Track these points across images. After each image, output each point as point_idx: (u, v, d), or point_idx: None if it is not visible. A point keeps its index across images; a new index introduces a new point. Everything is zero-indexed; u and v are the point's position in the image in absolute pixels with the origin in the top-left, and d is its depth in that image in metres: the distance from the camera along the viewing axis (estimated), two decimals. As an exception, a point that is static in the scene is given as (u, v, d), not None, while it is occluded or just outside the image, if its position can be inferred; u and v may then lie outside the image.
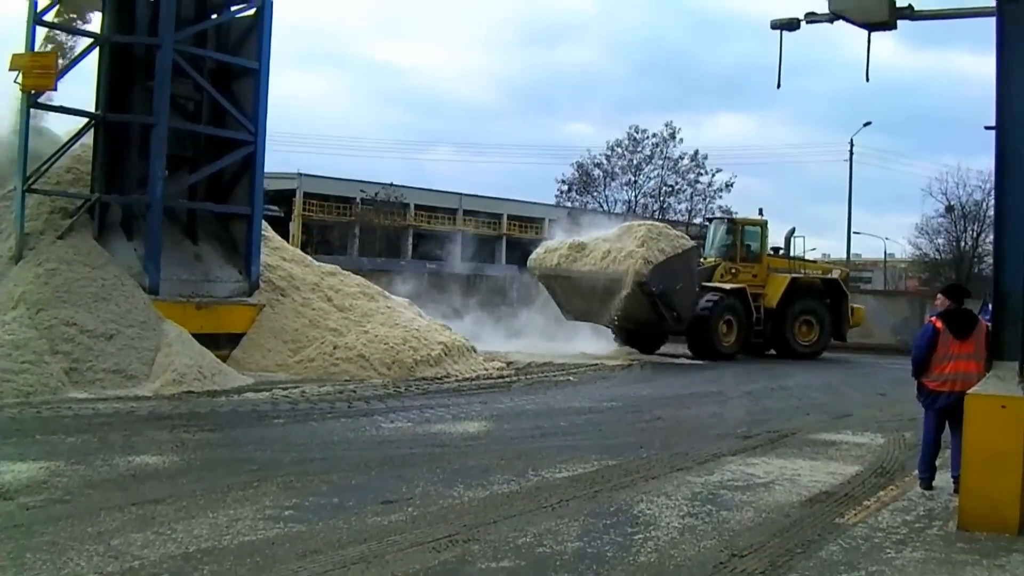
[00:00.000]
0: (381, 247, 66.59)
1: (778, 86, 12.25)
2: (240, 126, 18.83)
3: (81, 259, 16.40)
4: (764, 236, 29.55)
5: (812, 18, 11.78)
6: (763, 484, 9.32)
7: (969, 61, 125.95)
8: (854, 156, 55.00)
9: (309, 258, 21.93)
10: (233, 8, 19.41)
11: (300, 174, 78.77)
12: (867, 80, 11.53)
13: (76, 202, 17.31)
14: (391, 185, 71.97)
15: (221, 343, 17.84)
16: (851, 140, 55.32)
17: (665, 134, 58.24)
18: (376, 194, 71.48)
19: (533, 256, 28.68)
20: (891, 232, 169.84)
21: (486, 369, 19.93)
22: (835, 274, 30.65)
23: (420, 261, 56.31)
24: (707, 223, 29.59)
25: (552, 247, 28.06)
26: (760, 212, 30.35)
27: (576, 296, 27.15)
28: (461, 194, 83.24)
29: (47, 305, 15.28)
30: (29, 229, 16.56)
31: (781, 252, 29.83)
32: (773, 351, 28.63)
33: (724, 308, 26.56)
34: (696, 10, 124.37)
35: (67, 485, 8.30)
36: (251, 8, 19.14)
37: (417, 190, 78.52)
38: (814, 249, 47.95)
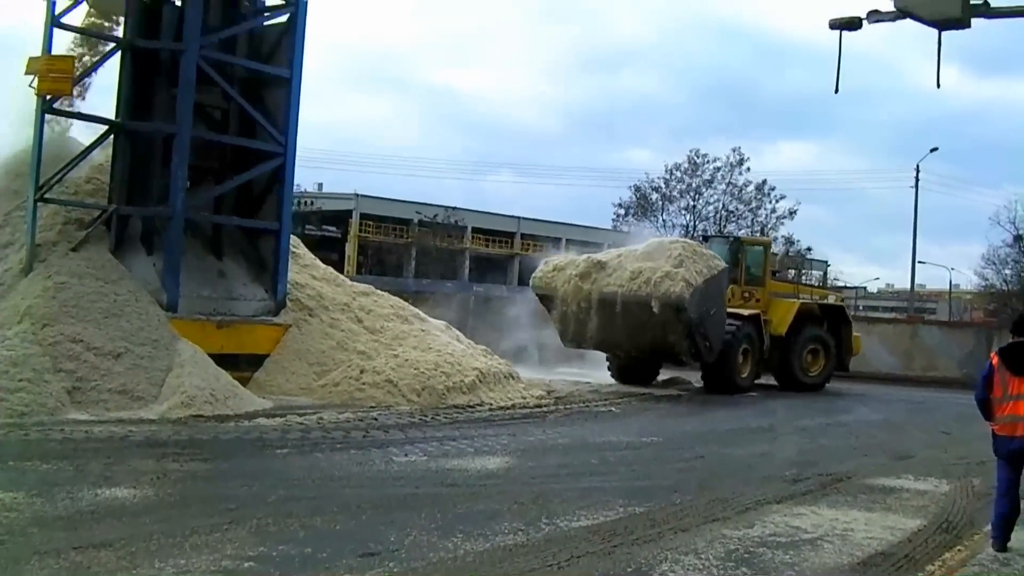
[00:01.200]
0: (437, 270, 65.84)
1: (836, 90, 11.06)
2: (270, 137, 17.96)
3: (94, 272, 15.58)
4: (767, 257, 27.81)
5: (876, 17, 10.65)
6: (810, 541, 8.07)
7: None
8: (909, 188, 53.24)
9: (341, 276, 20.98)
10: (264, 15, 18.56)
11: (357, 195, 78.58)
12: (938, 86, 10.50)
13: (93, 214, 16.50)
14: (450, 208, 71.29)
15: (242, 364, 16.92)
16: (917, 166, 53.46)
17: (732, 160, 56.73)
18: (435, 216, 70.86)
19: (538, 274, 25.07)
20: (956, 262, 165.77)
21: (523, 397, 18.74)
22: (830, 299, 29.10)
23: (468, 283, 55.30)
24: (703, 241, 26.78)
25: (561, 264, 24.80)
26: (746, 231, 28.75)
27: (592, 320, 23.65)
28: (519, 218, 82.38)
29: (53, 320, 14.45)
30: (41, 240, 15.78)
31: (778, 275, 28.45)
32: (776, 383, 26.25)
33: (743, 337, 24.19)
34: (757, 37, 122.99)
35: (11, 523, 7.34)
36: (283, 15, 18.30)
37: (475, 213, 77.83)
38: (877, 279, 46.23)
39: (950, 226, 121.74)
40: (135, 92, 16.97)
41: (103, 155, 17.63)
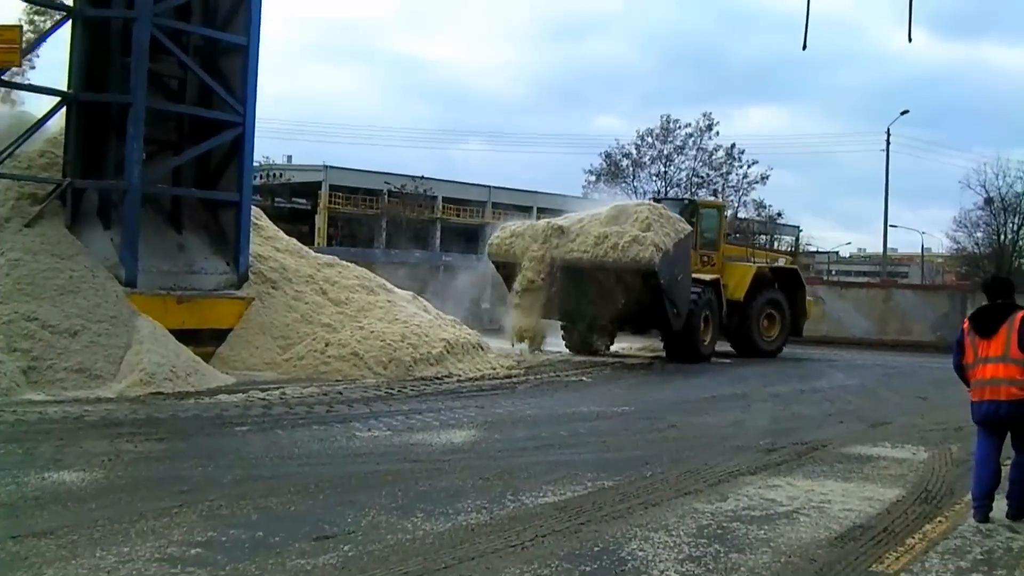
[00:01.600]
0: (409, 241, 65.32)
1: (804, 47, 10.82)
2: (228, 107, 17.47)
3: (49, 249, 15.09)
4: (722, 221, 27.28)
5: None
6: (785, 514, 7.80)
7: (1001, 53, 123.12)
8: (880, 151, 53.08)
9: (305, 248, 20.52)
10: (219, -20, 18.01)
11: (326, 166, 77.83)
12: (909, 40, 10.12)
13: (48, 188, 15.98)
14: (420, 178, 70.68)
15: (205, 339, 16.51)
16: (887, 129, 53.25)
17: (702, 124, 56.43)
18: (403, 186, 70.25)
19: (495, 241, 23.95)
20: (927, 226, 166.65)
21: (493, 368, 18.46)
22: (781, 262, 28.67)
23: (438, 253, 54.81)
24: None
25: (519, 230, 23.49)
26: (715, 195, 28.29)
27: (553, 289, 22.52)
28: (490, 187, 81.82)
29: (7, 298, 13.99)
30: (-7, 217, 15.29)
31: (731, 238, 28.15)
32: (731, 349, 25.76)
33: (705, 303, 23.38)
34: (722, 3, 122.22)
35: (-51, 512, 6.97)
36: (239, -20, 17.77)
37: (446, 183, 77.24)
38: (849, 243, 46.19)
39: (921, 190, 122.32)
40: (88, 63, 16.39)
41: (58, 128, 17.08)
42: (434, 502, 7.70)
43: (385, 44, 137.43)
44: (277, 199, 79.73)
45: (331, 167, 77.39)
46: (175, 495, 7.68)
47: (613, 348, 25.13)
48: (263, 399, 13.33)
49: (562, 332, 24.40)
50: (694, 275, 23.44)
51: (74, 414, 11.51)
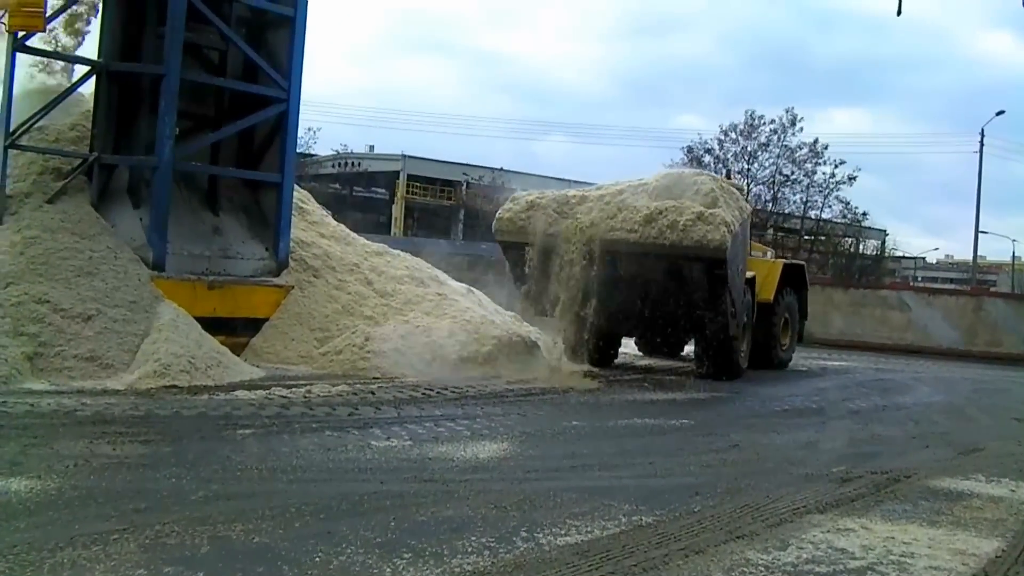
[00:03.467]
0: (485, 231, 64.20)
1: (899, 12, 9.22)
2: (271, 82, 16.36)
3: (69, 227, 14.09)
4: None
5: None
6: (857, 571, 6.33)
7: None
8: (973, 153, 50.73)
9: (354, 235, 19.29)
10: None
11: (404, 155, 77.26)
12: (899, 14, 8.53)
13: (74, 163, 15.01)
14: (498, 170, 69.64)
15: (238, 329, 15.43)
16: (981, 130, 50.91)
17: (785, 120, 54.31)
18: (480, 178, 69.32)
19: (504, 214, 18.54)
20: (1017, 233, 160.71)
21: (550, 372, 17.05)
22: (769, 255, 23.64)
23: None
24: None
25: (538, 201, 18.31)
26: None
27: (585, 280, 17.44)
28: (568, 180, 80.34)
29: (18, 279, 12.99)
30: (12, 191, 14.27)
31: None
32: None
33: (746, 307, 18.85)
34: (804, 2, 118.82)
35: None
36: (287, -53, 16.63)
37: (524, 175, 76.01)
38: (936, 249, 44.01)
39: (1008, 196, 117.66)
40: (121, 32, 15.40)
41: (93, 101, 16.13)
42: (430, 537, 6.38)
43: (470, 38, 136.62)
44: (356, 188, 79.46)
45: (409, 157, 76.86)
46: (125, 515, 6.48)
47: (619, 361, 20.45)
48: (284, 397, 12.13)
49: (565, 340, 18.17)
50: None
51: (67, 408, 10.41)
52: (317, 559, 5.81)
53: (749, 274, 19.06)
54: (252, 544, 6.07)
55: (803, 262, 24.44)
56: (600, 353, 19.17)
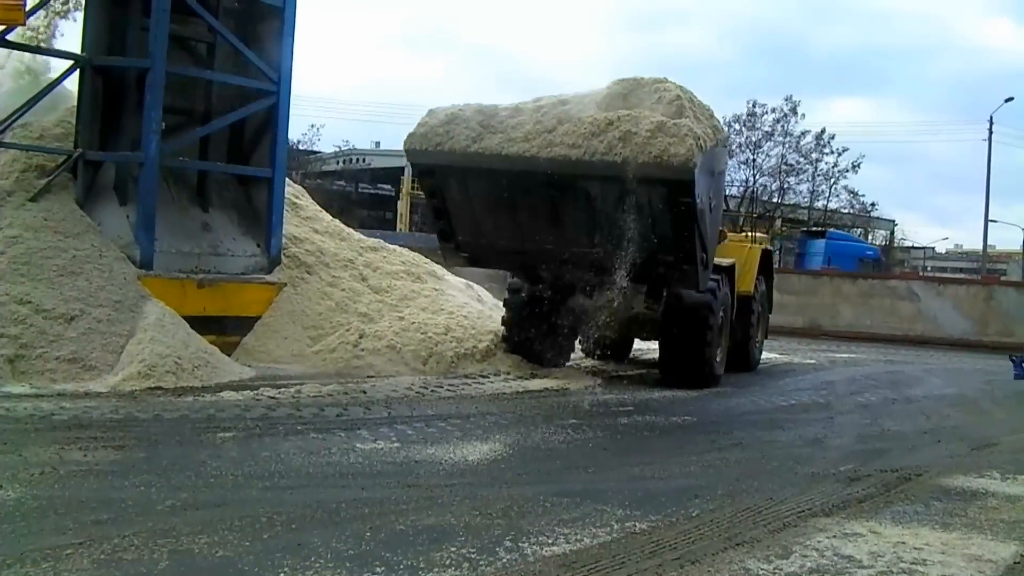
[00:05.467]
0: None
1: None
2: (260, 74, 15.94)
3: (52, 226, 13.70)
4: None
5: None
6: (865, 580, 5.93)
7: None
8: (982, 141, 50.32)
9: (349, 230, 18.89)
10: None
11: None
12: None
13: (59, 160, 14.61)
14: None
15: (229, 328, 15.03)
16: (990, 118, 50.37)
17: (786, 108, 53.75)
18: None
19: (418, 131, 14.47)
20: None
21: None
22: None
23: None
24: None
25: (461, 114, 14.38)
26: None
27: (514, 213, 14.40)
28: (575, 175, 79.82)
29: (0, 279, 12.66)
30: (-6, 189, 13.94)
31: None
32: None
33: (724, 300, 15.85)
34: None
35: None
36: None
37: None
38: (946, 239, 43.46)
39: (1017, 185, 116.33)
40: (106, 24, 14.98)
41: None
42: (406, 549, 5.97)
43: (471, 34, 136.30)
44: (361, 184, 78.94)
45: (414, 152, 75.97)
46: (84, 527, 6.09)
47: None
48: (272, 398, 11.74)
49: (506, 308, 16.14)
50: None
51: (44, 412, 10.02)
52: (281, 574, 5.40)
53: (728, 261, 16.44)
54: (215, 558, 5.67)
55: (771, 247, 21.56)
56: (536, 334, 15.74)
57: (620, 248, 13.46)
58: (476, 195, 14.58)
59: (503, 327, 16.04)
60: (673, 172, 12.80)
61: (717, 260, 15.44)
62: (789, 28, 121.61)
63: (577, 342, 17.10)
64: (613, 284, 13.84)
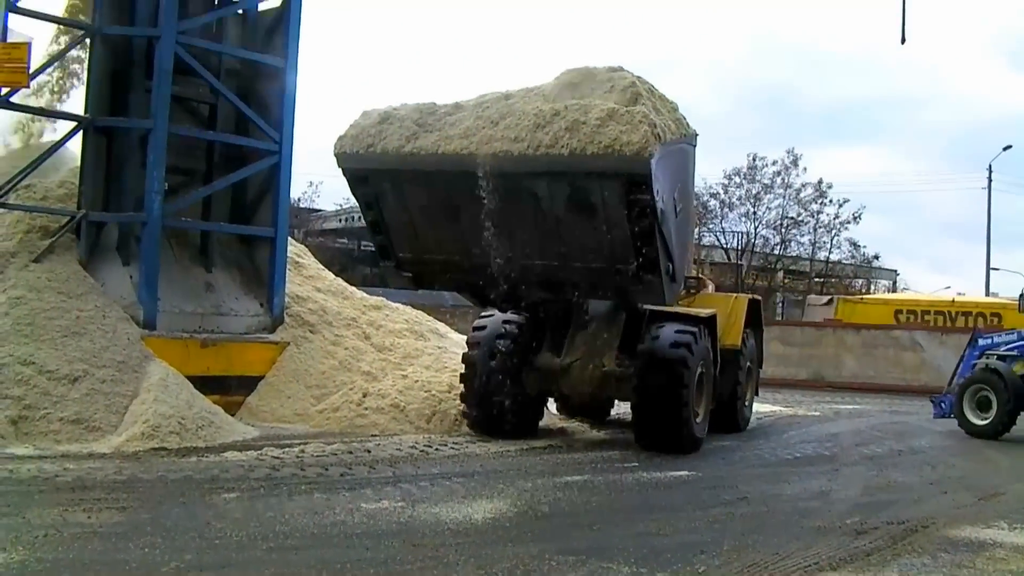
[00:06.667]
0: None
1: (903, 41, 8.93)
2: (263, 134, 16.12)
3: (56, 286, 13.82)
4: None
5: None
6: (873, 638, 5.89)
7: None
8: (982, 189, 50.79)
9: (352, 288, 18.97)
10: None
11: (410, 209, 76.62)
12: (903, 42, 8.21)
13: (62, 221, 14.73)
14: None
15: (232, 388, 15.11)
16: (989, 166, 50.81)
17: (787, 161, 54.10)
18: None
19: (351, 131, 13.22)
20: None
21: (557, 421, 16.58)
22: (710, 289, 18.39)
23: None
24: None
25: (396, 113, 13.14)
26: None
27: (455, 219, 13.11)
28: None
29: (3, 340, 12.74)
30: (-2, 250, 14.06)
31: None
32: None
33: (702, 356, 13.93)
34: (792, 44, 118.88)
35: None
36: (276, -1, 16.49)
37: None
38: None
39: (1017, 233, 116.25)
40: (108, 85, 15.20)
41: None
42: (410, 610, 5.96)
43: (470, 90, 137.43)
44: (363, 242, 79.10)
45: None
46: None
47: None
48: (276, 457, 11.72)
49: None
50: (681, 309, 14.68)
51: (48, 473, 10.03)
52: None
53: (708, 311, 14.75)
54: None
55: (759, 297, 19.69)
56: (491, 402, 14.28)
57: (572, 259, 12.60)
58: (414, 203, 13.21)
59: (461, 385, 14.57)
60: (626, 163, 11.51)
61: (696, 310, 14.64)
62: (780, 80, 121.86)
63: (551, 402, 16.31)
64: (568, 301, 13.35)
